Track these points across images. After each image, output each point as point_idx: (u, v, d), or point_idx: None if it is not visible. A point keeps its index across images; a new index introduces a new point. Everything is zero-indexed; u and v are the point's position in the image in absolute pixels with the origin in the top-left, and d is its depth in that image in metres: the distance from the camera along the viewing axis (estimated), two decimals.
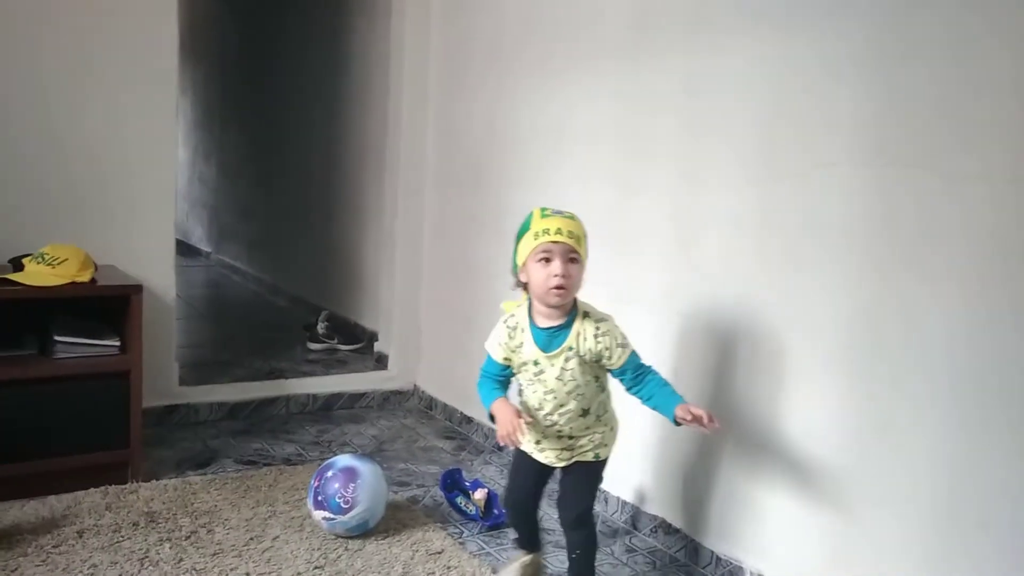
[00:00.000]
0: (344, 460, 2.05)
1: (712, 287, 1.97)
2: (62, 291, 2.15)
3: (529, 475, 1.74)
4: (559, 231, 1.53)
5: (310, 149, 4.40)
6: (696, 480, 2.01)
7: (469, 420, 2.90)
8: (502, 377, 1.68)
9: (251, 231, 5.43)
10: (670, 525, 2.08)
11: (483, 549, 2.04)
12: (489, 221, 2.77)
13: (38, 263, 2.16)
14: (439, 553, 1.96)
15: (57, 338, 2.19)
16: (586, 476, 1.70)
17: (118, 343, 2.24)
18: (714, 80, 1.94)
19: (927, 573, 1.52)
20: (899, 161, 1.56)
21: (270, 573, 1.82)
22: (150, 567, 1.82)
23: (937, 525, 1.50)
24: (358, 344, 3.66)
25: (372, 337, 3.57)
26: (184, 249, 6.07)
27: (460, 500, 2.23)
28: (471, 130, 2.91)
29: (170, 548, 1.90)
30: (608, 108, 2.28)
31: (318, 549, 1.95)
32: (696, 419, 1.50)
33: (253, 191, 5.36)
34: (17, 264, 2.20)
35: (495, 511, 2.15)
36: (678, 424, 1.55)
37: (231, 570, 1.83)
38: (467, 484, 2.26)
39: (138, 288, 2.24)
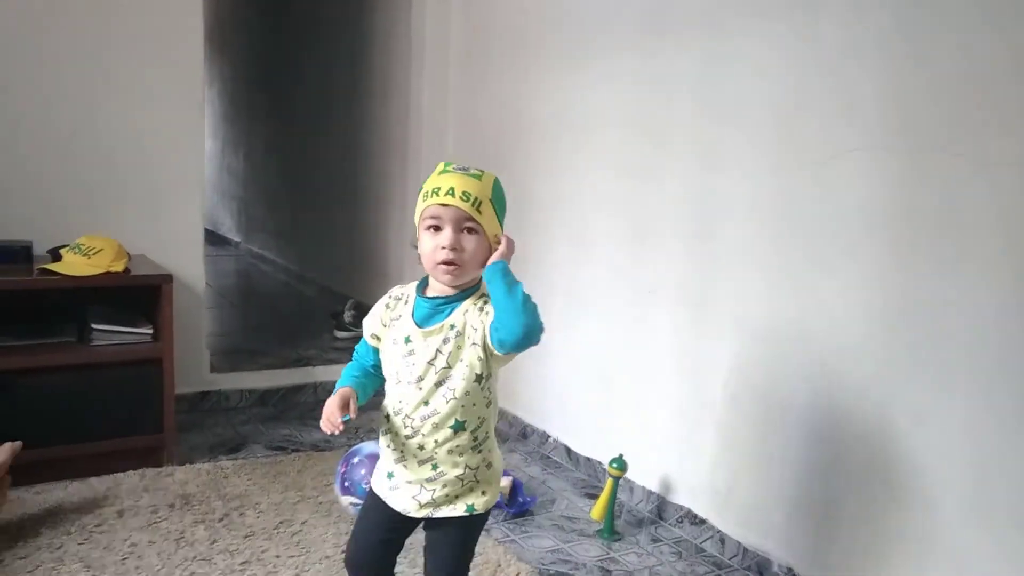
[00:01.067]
0: (371, 446, 2.08)
1: (731, 277, 1.96)
2: (97, 280, 2.21)
3: (377, 526, 1.31)
4: (451, 192, 1.19)
5: (334, 140, 4.44)
6: (722, 470, 2.01)
7: None
8: (368, 362, 1.35)
9: (279, 221, 5.50)
10: (696, 515, 2.08)
11: (508, 536, 2.07)
12: (510, 210, 2.78)
13: (75, 253, 2.23)
14: None
15: (94, 326, 2.26)
16: (451, 539, 1.28)
17: (151, 331, 2.30)
18: (732, 65, 1.93)
19: (957, 569, 1.51)
20: (925, 146, 1.53)
21: (299, 556, 1.87)
22: (186, 547, 1.88)
23: (968, 520, 1.48)
24: None
25: None
26: (214, 239, 6.16)
27: None
28: (491, 120, 2.92)
29: (204, 529, 1.96)
30: (627, 97, 2.28)
31: (345, 534, 1.99)
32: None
33: (280, 182, 5.42)
34: (56, 255, 2.27)
35: (520, 499, 2.18)
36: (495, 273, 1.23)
37: (262, 552, 1.88)
38: None
39: (168, 277, 2.29)
